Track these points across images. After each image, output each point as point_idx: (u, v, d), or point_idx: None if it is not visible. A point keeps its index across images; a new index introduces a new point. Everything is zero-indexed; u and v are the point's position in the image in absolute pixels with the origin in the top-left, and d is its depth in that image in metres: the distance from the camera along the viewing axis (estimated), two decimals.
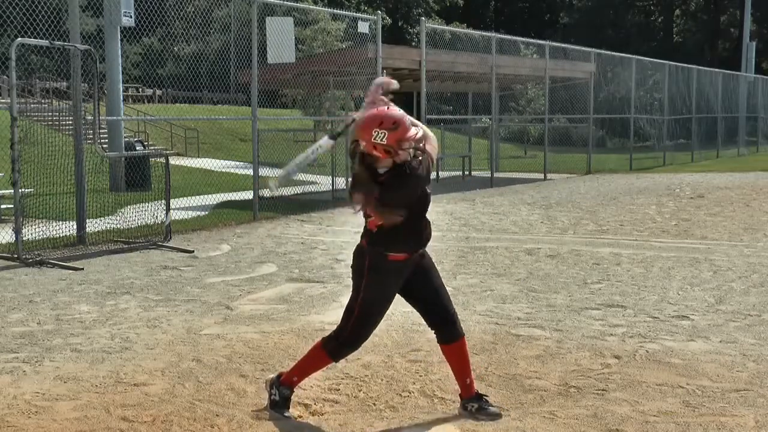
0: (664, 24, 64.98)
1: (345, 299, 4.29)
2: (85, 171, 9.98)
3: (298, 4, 19.30)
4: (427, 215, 4.03)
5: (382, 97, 3.98)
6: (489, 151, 21.31)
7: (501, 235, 10.81)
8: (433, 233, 4.13)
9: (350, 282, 4.11)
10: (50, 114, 20.47)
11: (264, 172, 12.80)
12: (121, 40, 15.02)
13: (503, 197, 16.02)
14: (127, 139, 17.76)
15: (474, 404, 4.15)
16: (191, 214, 12.65)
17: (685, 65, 29.56)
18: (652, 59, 28.51)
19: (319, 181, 17.77)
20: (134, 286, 7.53)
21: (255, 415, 4.17)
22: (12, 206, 9.23)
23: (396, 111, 3.89)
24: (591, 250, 9.39)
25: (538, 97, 31.04)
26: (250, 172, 13.27)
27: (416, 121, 3.96)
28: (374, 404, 4.37)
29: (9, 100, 9.10)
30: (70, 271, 8.23)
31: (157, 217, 10.44)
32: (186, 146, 26.87)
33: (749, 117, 36.48)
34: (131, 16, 13.63)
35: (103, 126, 13.73)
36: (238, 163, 22.66)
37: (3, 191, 11.52)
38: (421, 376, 4.81)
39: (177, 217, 11.58)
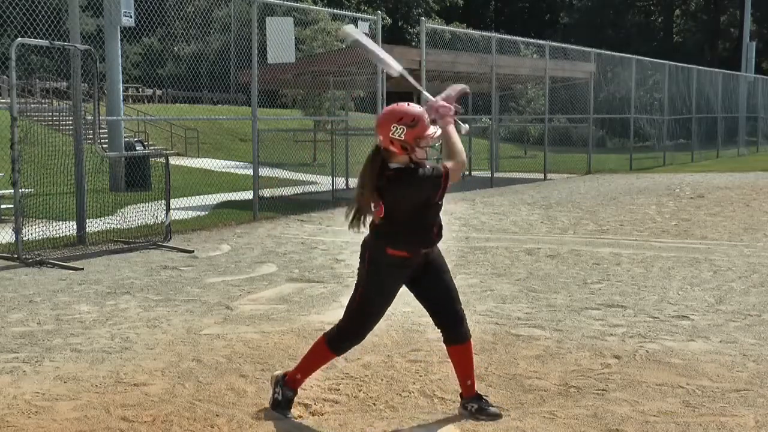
0: (664, 24, 65.01)
1: (345, 299, 4.29)
2: (85, 171, 9.98)
3: (298, 4, 19.30)
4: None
5: (454, 105, 3.98)
6: (489, 151, 21.31)
7: (501, 235, 10.81)
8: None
9: (350, 282, 4.12)
10: (50, 114, 20.50)
11: (264, 172, 12.80)
12: (121, 40, 15.04)
13: (503, 197, 16.02)
14: (127, 139, 17.77)
15: (474, 404, 4.15)
16: (191, 214, 12.66)
17: (685, 65, 29.57)
18: (652, 59, 28.51)
19: (319, 181, 17.78)
20: (134, 286, 7.53)
21: (255, 415, 4.17)
22: (12, 206, 9.23)
23: (416, 108, 3.89)
24: (591, 250, 9.39)
25: (538, 97, 31.04)
26: (250, 172, 13.27)
27: (458, 146, 3.92)
28: (374, 404, 4.37)
29: (9, 100, 9.10)
30: (70, 271, 8.23)
31: (157, 217, 10.44)
32: (186, 146, 26.87)
33: (749, 117, 36.49)
34: (131, 16, 13.64)
35: (103, 126, 13.74)
36: (238, 163, 22.66)
37: (3, 191, 11.52)
38: (421, 376, 4.81)
39: (177, 217, 11.58)
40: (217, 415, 4.17)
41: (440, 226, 4.05)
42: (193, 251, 9.45)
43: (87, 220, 9.99)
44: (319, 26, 26.29)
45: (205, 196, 14.26)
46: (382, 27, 16.00)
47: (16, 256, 8.66)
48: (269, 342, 5.56)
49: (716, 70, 33.52)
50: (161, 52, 21.40)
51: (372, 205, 3.88)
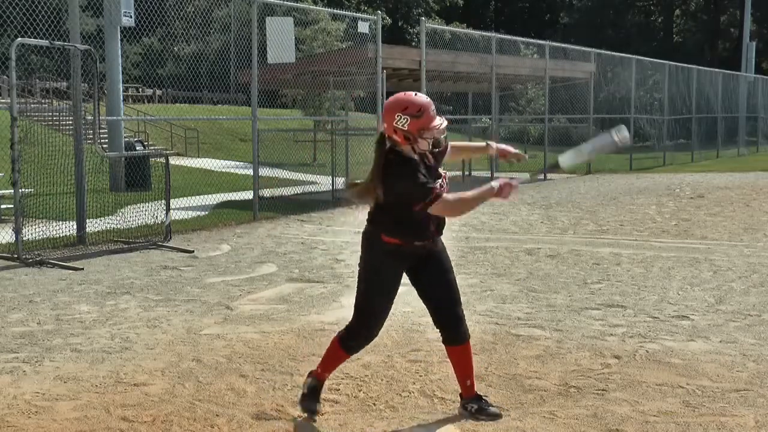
0: (664, 24, 64.99)
1: (345, 299, 4.30)
2: (85, 171, 9.98)
3: (298, 4, 19.31)
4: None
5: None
6: None
7: (501, 235, 10.81)
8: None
9: (350, 282, 4.12)
10: (50, 114, 20.50)
11: (264, 172, 12.80)
12: (121, 40, 15.04)
13: None
14: (127, 139, 17.78)
15: (474, 404, 4.15)
16: (191, 214, 12.65)
17: (685, 65, 29.57)
18: (652, 59, 28.52)
19: (319, 181, 17.77)
20: (134, 286, 7.53)
21: (255, 415, 4.17)
22: (12, 206, 9.23)
23: (423, 98, 3.82)
24: (591, 250, 9.39)
25: (538, 97, 31.04)
26: (250, 172, 13.27)
27: (471, 202, 3.89)
28: (374, 404, 4.37)
29: (9, 100, 9.10)
30: (70, 271, 8.23)
31: (157, 217, 10.45)
32: (186, 146, 26.87)
33: (749, 117, 36.48)
34: (131, 16, 13.64)
35: (103, 126, 13.74)
36: (238, 163, 22.66)
37: (3, 191, 11.52)
38: (421, 376, 4.81)
39: (177, 217, 11.58)
40: (217, 415, 4.17)
41: (440, 223, 4.01)
42: (193, 251, 9.45)
43: (87, 220, 10.00)
44: (319, 26, 26.30)
45: (205, 196, 14.26)
46: (382, 27, 15.99)
47: (16, 256, 8.66)
48: (269, 342, 5.56)
49: (716, 70, 33.51)
50: (161, 52, 21.41)
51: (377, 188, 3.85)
